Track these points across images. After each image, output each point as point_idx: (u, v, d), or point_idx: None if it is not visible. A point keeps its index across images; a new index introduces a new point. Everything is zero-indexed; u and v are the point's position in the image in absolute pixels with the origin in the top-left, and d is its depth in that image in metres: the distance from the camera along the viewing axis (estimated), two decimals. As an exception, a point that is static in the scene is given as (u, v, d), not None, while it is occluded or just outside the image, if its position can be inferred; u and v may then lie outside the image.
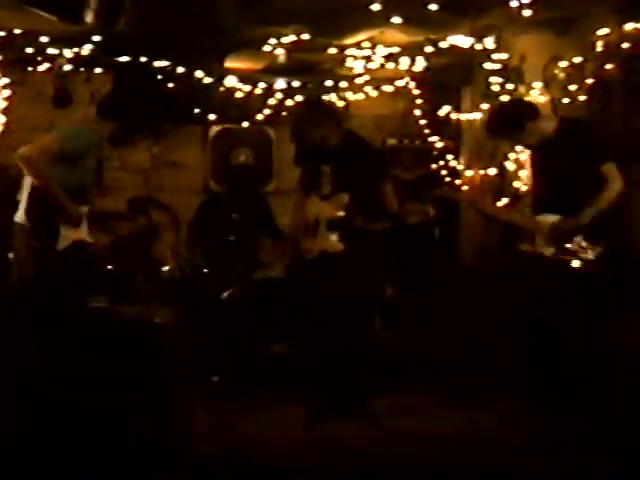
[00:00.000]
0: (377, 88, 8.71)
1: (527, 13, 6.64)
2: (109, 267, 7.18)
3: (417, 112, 8.62)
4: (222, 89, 8.67)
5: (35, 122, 8.02)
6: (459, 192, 7.73)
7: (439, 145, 8.44)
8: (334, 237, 6.20)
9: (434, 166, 8.38)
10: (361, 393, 6.11)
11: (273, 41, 7.51)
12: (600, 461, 4.77)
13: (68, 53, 7.71)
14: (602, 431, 5.09)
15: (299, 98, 8.77)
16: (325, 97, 8.37)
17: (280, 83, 8.78)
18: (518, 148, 6.96)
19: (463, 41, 7.39)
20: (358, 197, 6.11)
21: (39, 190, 5.98)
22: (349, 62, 7.98)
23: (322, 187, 6.34)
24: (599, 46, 6.58)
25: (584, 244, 5.49)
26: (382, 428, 5.80)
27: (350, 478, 4.85)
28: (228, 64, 8.27)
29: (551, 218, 5.59)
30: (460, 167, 8.21)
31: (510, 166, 7.34)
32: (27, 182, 6.21)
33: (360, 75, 8.39)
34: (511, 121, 5.67)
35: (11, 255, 6.32)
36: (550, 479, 4.73)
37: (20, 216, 6.18)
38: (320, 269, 6.27)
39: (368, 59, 7.88)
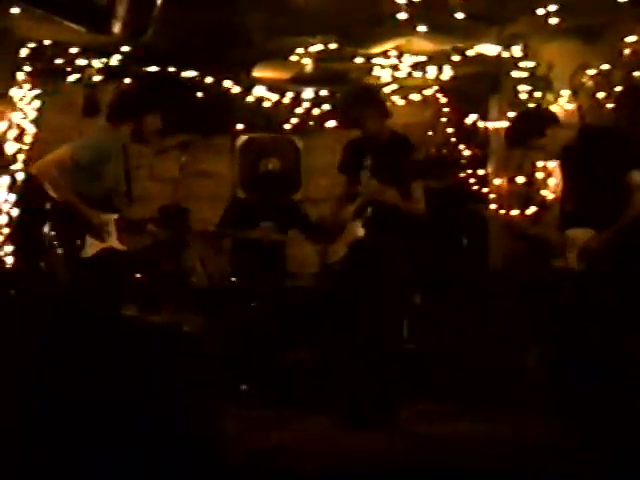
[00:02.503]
0: (404, 97, 8.71)
1: (554, 21, 6.63)
2: (138, 276, 7.23)
3: (445, 120, 8.62)
4: (250, 98, 8.70)
5: (65, 132, 8.09)
6: (488, 209, 7.71)
7: (467, 153, 8.42)
8: (358, 224, 6.19)
9: (462, 175, 8.37)
10: (388, 401, 6.11)
11: (301, 50, 7.54)
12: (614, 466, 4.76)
13: (97, 63, 7.77)
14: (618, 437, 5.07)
15: (327, 107, 8.80)
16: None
17: (308, 92, 8.80)
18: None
19: (490, 49, 7.40)
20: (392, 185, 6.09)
21: (59, 201, 6.06)
22: (376, 71, 8.00)
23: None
24: (627, 53, 6.56)
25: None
26: (409, 436, 5.79)
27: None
28: (256, 74, 8.30)
29: (581, 233, 5.53)
30: (488, 175, 8.20)
31: (538, 174, 7.33)
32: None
33: (387, 84, 8.40)
34: (529, 128, 5.65)
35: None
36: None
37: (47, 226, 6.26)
38: (347, 272, 6.27)
39: (395, 68, 7.90)
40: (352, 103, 6.55)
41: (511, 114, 7.32)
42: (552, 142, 5.64)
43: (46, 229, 6.22)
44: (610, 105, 6.71)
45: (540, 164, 7.24)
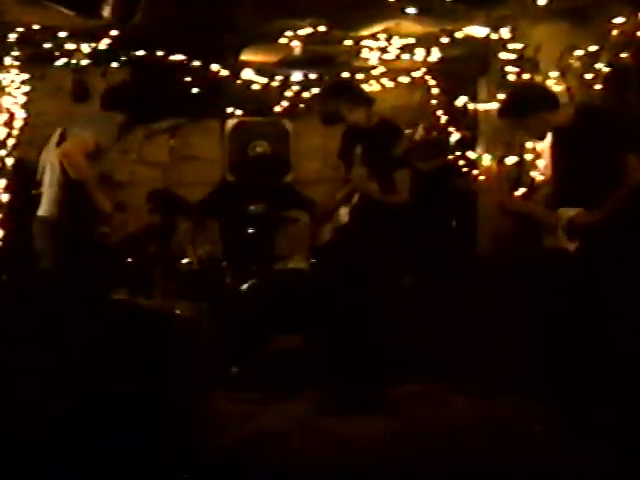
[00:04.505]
0: (393, 79, 8.73)
1: (542, 3, 6.65)
2: (129, 260, 7.24)
3: (433, 103, 8.64)
4: (239, 82, 8.70)
5: (53, 117, 8.08)
6: (478, 184, 7.74)
7: (456, 135, 8.44)
8: (345, 210, 6.21)
9: (451, 156, 8.39)
10: (378, 383, 6.13)
11: (289, 34, 7.53)
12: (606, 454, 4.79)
13: (86, 48, 7.75)
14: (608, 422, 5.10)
15: (315, 90, 8.80)
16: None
17: (296, 75, 8.80)
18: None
19: (479, 31, 7.41)
20: (376, 175, 6.12)
21: (74, 186, 6.09)
22: (365, 54, 8.00)
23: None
24: (614, 35, 6.57)
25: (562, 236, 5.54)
26: (398, 418, 5.82)
27: (365, 469, 4.86)
28: (244, 57, 8.30)
29: (572, 212, 5.56)
30: (477, 157, 8.22)
31: (527, 155, 7.35)
32: (49, 178, 6.30)
33: (376, 67, 8.42)
34: (524, 107, 5.66)
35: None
36: (561, 469, 4.74)
37: (46, 210, 6.27)
38: (335, 259, 6.29)
39: (384, 50, 7.90)
40: (329, 99, 6.58)
41: (501, 96, 7.35)
42: (544, 125, 5.66)
43: (41, 212, 6.27)
44: (598, 86, 6.72)
45: (529, 145, 7.26)
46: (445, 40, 7.57)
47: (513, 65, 7.37)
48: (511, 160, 7.49)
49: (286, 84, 8.89)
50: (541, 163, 7.06)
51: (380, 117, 6.53)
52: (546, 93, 5.91)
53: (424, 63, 8.25)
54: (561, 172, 5.75)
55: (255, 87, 8.82)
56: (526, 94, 5.92)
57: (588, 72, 6.81)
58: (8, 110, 7.56)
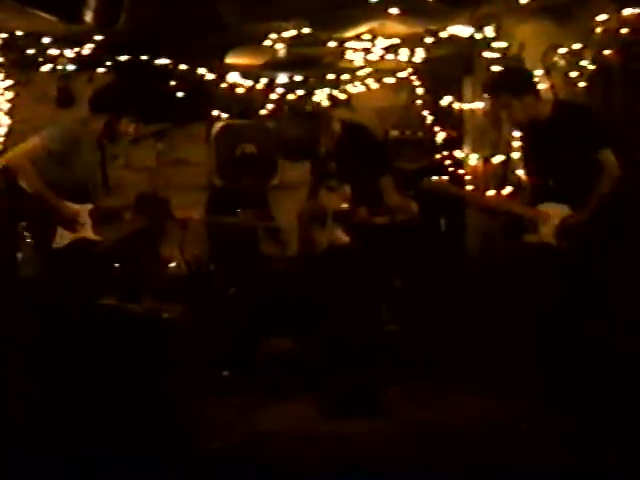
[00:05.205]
0: (378, 80, 8.73)
1: (525, 1, 6.66)
2: (116, 265, 7.22)
3: (419, 103, 8.64)
4: (224, 85, 8.69)
5: (38, 123, 8.05)
6: (452, 186, 7.73)
7: (441, 135, 8.45)
8: (340, 230, 6.24)
9: (437, 156, 8.39)
10: (371, 385, 6.13)
11: (274, 36, 7.53)
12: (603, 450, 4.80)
13: (70, 53, 7.74)
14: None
15: (300, 92, 8.80)
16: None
17: (282, 78, 8.80)
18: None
19: (463, 31, 7.42)
20: (359, 188, 6.13)
21: (30, 192, 6.05)
22: (350, 55, 8.00)
23: (329, 179, 6.39)
24: (598, 32, 6.59)
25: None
26: (391, 418, 5.82)
27: (362, 471, 4.85)
28: (229, 60, 8.29)
29: (553, 207, 5.57)
30: (463, 157, 8.22)
31: (513, 154, 7.36)
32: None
33: (361, 67, 8.41)
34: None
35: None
36: (556, 466, 4.75)
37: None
38: (327, 262, 6.30)
39: (368, 51, 7.91)
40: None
41: (486, 95, 7.36)
42: (526, 109, 5.66)
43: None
44: (582, 84, 6.74)
45: (516, 144, 7.27)
46: (429, 40, 7.58)
47: (498, 64, 7.38)
48: (497, 159, 7.50)
49: (271, 86, 8.88)
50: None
51: (342, 124, 6.51)
52: (530, 77, 5.93)
53: (409, 63, 8.25)
54: (537, 166, 5.77)
55: (240, 90, 8.81)
56: (510, 74, 5.96)
57: (572, 70, 6.82)
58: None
